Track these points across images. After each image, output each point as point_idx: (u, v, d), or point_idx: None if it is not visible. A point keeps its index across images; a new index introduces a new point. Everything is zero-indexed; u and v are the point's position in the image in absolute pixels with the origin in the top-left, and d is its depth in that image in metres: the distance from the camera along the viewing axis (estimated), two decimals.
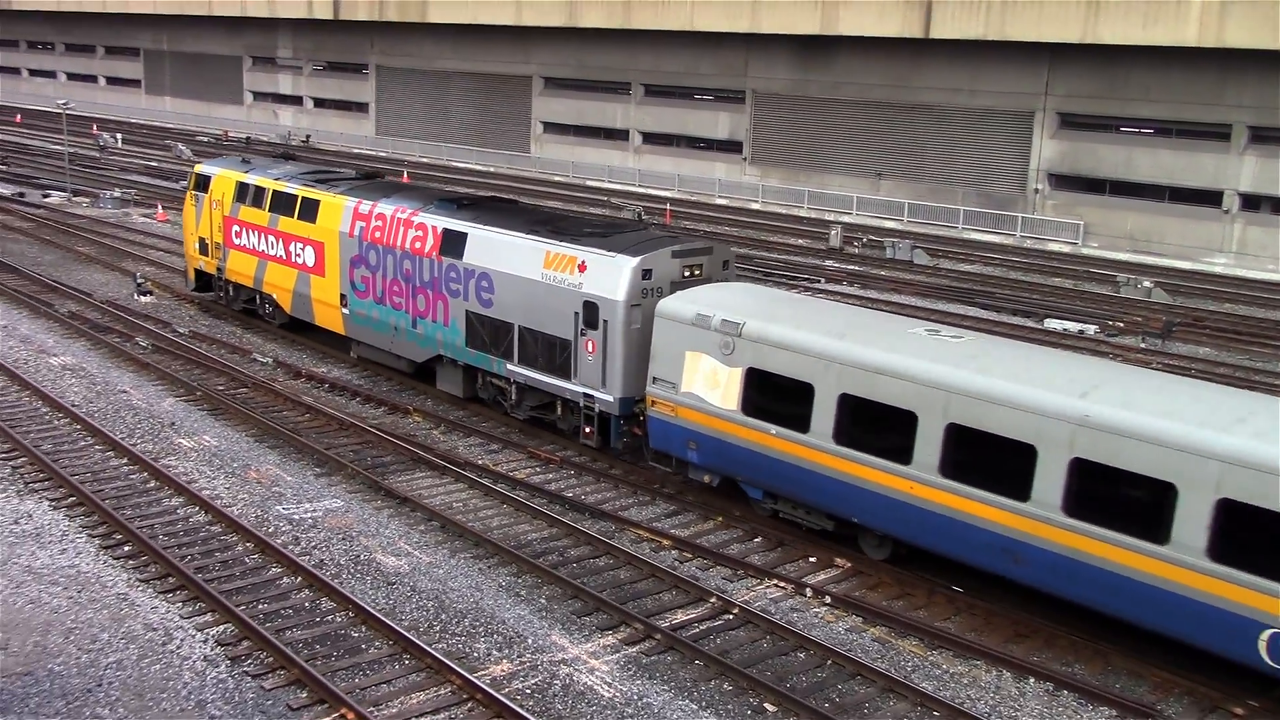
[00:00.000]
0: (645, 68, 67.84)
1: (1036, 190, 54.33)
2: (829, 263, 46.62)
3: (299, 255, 29.92)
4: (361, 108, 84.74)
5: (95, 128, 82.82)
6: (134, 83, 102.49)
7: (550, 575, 18.27)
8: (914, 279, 43.84)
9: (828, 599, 18.09)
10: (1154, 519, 15.37)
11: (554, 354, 23.37)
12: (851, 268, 45.52)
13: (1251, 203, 48.96)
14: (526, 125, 74.62)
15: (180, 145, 75.59)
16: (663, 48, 66.02)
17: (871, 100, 59.29)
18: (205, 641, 15.80)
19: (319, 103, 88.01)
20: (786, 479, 19.52)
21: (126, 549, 18.67)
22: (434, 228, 25.97)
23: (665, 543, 19.95)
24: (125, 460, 22.51)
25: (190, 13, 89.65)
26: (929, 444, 17.43)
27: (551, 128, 73.72)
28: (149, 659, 15.30)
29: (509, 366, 24.60)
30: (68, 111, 52.48)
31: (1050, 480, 16.22)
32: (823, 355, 18.67)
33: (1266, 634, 14.42)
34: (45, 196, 55.04)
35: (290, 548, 18.85)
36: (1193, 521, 15.00)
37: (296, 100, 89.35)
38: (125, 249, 43.53)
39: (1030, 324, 36.96)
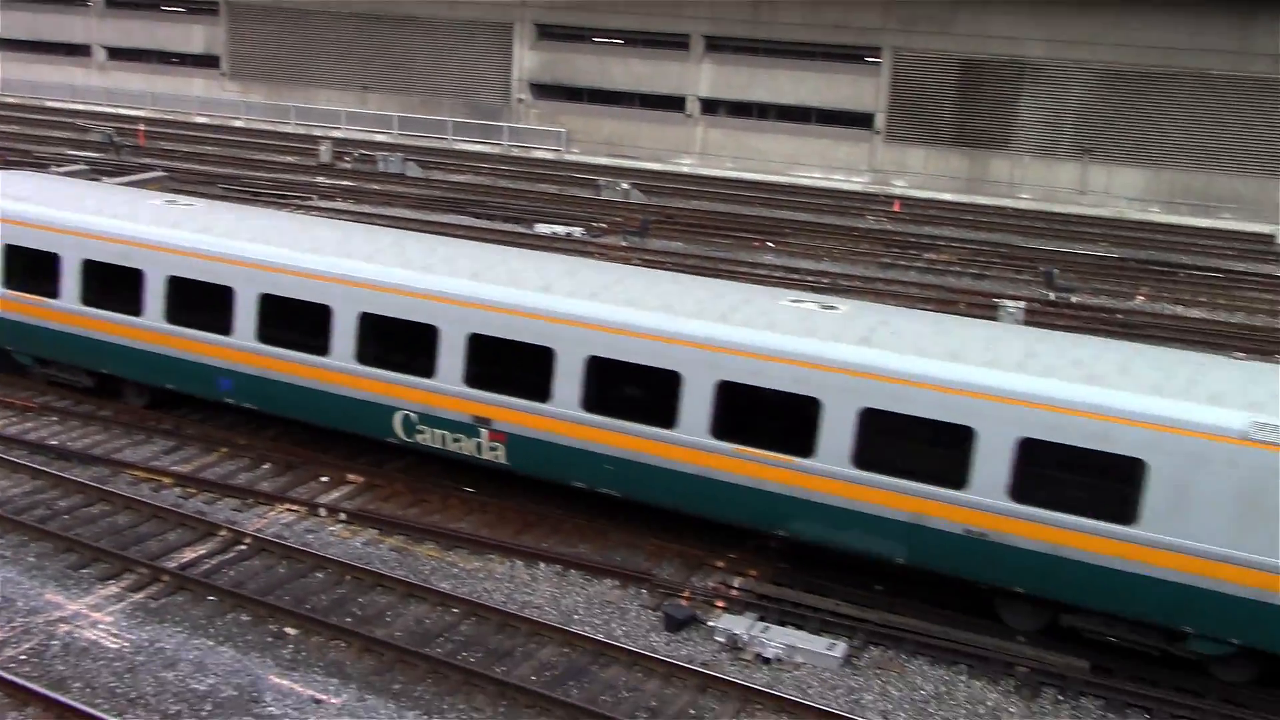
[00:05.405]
0: None
1: (520, 100, 55.96)
2: (320, 179, 45.64)
3: None
4: None
5: None
6: None
7: (38, 531, 16.94)
8: (407, 191, 43.95)
9: (343, 516, 18.14)
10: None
11: None
12: (344, 183, 44.84)
13: (710, 107, 53.29)
14: None
15: None
16: None
17: (357, 13, 58.12)
18: None
19: None
20: None
21: None
22: None
23: (166, 480, 19.07)
24: None
25: None
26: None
27: (3, 44, 66.09)
28: None
29: None
30: None
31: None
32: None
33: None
34: None
35: None
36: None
37: None
38: None
39: (521, 229, 38.30)
